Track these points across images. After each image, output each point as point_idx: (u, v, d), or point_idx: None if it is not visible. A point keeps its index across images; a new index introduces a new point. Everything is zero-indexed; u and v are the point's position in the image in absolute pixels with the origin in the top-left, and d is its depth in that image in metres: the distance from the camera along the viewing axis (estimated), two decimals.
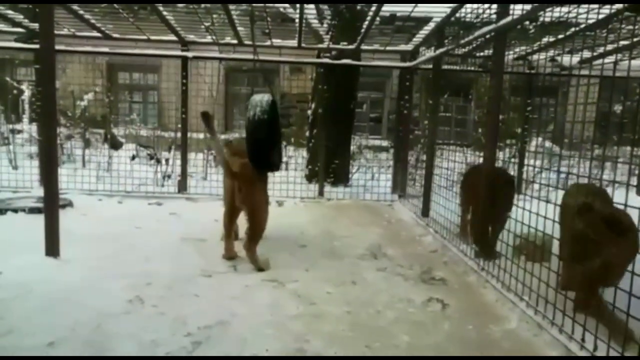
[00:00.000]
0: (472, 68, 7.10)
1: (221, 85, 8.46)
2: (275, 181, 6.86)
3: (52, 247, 3.58)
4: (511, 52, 6.67)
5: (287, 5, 7.19)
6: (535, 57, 6.76)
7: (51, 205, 3.61)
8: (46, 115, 3.68)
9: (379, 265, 3.94)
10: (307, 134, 8.12)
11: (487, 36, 4.04)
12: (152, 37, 6.60)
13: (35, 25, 6.03)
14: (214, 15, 6.30)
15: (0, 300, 2.86)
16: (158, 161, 7.53)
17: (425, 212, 5.55)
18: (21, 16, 6.11)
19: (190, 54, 6.62)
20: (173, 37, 6.47)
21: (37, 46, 5.13)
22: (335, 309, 3.00)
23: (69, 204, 5.49)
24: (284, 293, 3.24)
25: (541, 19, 4.89)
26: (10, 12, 5.97)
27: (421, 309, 3.07)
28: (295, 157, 8.42)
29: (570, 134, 7.58)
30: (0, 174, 6.59)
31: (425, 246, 4.59)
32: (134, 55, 7.00)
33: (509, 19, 3.56)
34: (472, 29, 4.40)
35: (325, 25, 7.13)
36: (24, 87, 9.24)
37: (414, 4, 4.81)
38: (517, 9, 3.56)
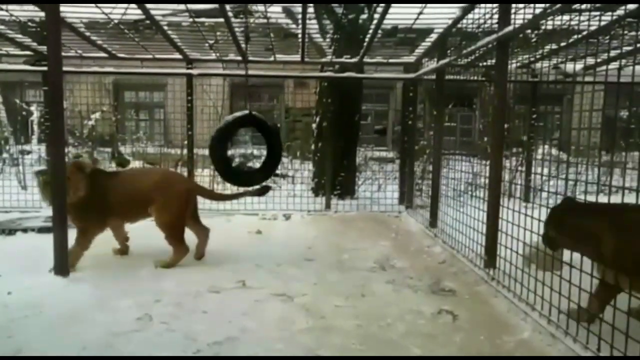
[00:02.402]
0: (476, 78, 7.11)
1: (226, 101, 8.52)
2: (282, 195, 6.88)
3: (62, 266, 3.59)
4: (514, 61, 6.68)
5: (289, 21, 7.29)
6: (538, 65, 6.77)
7: (60, 224, 3.63)
8: (55, 135, 3.72)
9: (388, 277, 3.91)
10: (313, 147, 8.15)
11: (490, 46, 4.06)
12: (158, 56, 6.68)
13: (43, 48, 6.13)
14: (218, 33, 6.38)
15: (10, 319, 2.87)
16: None
17: (433, 222, 5.52)
18: (29, 39, 6.22)
19: (195, 72, 6.69)
20: (178, 56, 6.55)
21: (45, 68, 5.22)
22: (345, 322, 2.98)
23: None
24: (293, 307, 3.22)
25: (543, 27, 4.91)
26: (19, 35, 6.08)
27: (432, 320, 3.04)
28: (301, 171, 8.44)
29: (577, 141, 7.55)
30: (10, 194, 6.65)
31: (434, 257, 4.56)
32: (140, 74, 7.09)
33: (510, 28, 3.58)
34: (474, 39, 4.42)
35: (327, 39, 7.20)
36: (32, 108, 9.36)
37: (416, 14, 4.85)
38: (518, 18, 3.58)
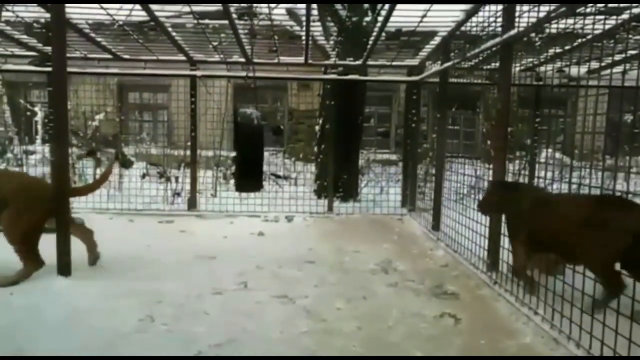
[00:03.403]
0: (479, 81, 7.10)
1: (229, 103, 8.53)
2: (285, 197, 6.88)
3: (64, 267, 3.60)
4: (518, 64, 6.67)
5: (293, 23, 7.30)
6: (542, 68, 6.76)
7: (62, 223, 3.64)
8: (58, 135, 3.74)
9: (390, 280, 3.90)
10: (315, 149, 8.15)
11: (493, 49, 4.05)
12: (162, 57, 6.70)
13: (48, 49, 6.15)
14: (222, 35, 6.39)
15: (12, 320, 2.88)
16: (168, 179, 7.59)
17: (435, 225, 5.50)
18: (34, 40, 6.25)
19: (198, 73, 6.71)
20: (182, 57, 6.57)
21: (50, 69, 5.23)
22: (346, 324, 2.97)
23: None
24: (294, 309, 3.21)
25: (547, 30, 4.90)
26: (24, 36, 6.11)
27: (433, 323, 3.03)
28: (303, 173, 8.44)
29: (580, 145, 7.53)
30: None
31: (437, 260, 4.55)
32: (144, 76, 7.11)
33: (514, 31, 3.57)
34: (477, 42, 4.42)
35: (331, 41, 7.20)
36: (36, 108, 9.39)
37: (420, 17, 4.85)
38: (522, 22, 3.57)
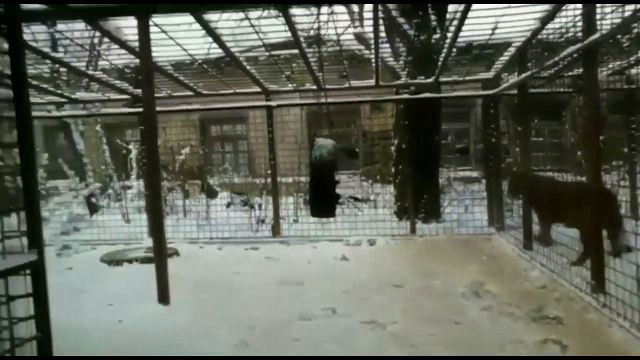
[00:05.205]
0: (562, 89, 6.71)
1: (304, 129, 8.73)
2: (365, 219, 6.84)
3: (163, 295, 3.80)
4: (605, 68, 6.22)
5: (362, 47, 7.37)
6: (633, 70, 6.26)
7: (160, 254, 3.87)
8: (151, 170, 4.03)
9: (483, 303, 3.70)
10: (393, 170, 8.06)
11: (575, 55, 3.81)
12: (238, 90, 7.05)
13: (138, 91, 6.70)
14: (293, 64, 6.60)
15: (121, 345, 3.06)
16: (251, 207, 7.85)
17: (527, 244, 5.18)
18: (126, 83, 6.86)
19: (273, 103, 6.96)
20: (257, 89, 6.86)
21: (140, 109, 5.69)
22: (439, 351, 2.86)
23: (175, 252, 5.83)
24: (384, 335, 3.15)
25: (635, 30, 4.56)
26: (117, 81, 6.72)
27: (536, 351, 2.82)
28: (382, 194, 8.36)
29: None
30: (115, 227, 7.23)
31: (532, 281, 4.26)
32: (223, 109, 7.50)
33: (597, 35, 3.34)
34: (557, 49, 4.19)
35: (401, 62, 7.17)
36: (131, 146, 10.21)
37: (490, 29, 4.70)
38: (605, 24, 3.34)
